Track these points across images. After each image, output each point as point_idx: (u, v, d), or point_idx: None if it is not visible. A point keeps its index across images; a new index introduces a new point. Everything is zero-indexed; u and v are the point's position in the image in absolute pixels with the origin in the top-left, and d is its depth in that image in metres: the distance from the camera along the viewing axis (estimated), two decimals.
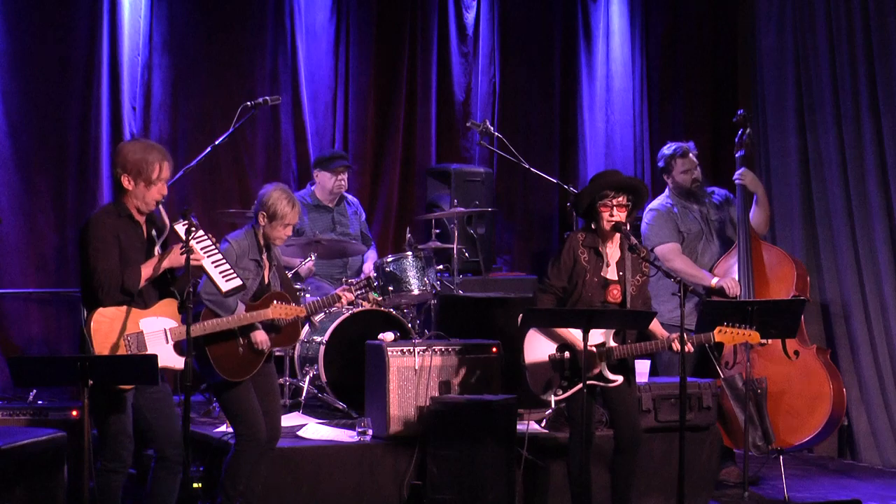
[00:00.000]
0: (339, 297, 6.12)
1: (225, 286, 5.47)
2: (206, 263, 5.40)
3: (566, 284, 5.96)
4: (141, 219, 5.40)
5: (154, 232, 5.45)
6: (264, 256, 5.92)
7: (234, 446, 5.85)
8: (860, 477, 7.70)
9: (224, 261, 5.50)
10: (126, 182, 5.32)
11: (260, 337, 5.77)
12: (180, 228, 5.35)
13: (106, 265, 5.23)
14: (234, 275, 5.52)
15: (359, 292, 6.23)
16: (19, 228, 7.84)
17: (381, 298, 7.33)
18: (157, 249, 5.42)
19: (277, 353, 7.48)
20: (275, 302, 5.77)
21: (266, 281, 5.91)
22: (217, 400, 6.11)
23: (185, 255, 5.26)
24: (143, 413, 5.41)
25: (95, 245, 5.24)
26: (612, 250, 5.98)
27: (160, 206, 5.40)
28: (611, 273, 5.95)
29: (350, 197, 8.31)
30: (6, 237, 7.77)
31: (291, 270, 7.49)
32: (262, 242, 5.91)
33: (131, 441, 5.38)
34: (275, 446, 6.01)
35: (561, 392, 5.92)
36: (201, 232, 5.41)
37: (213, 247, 5.45)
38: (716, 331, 5.77)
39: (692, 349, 5.77)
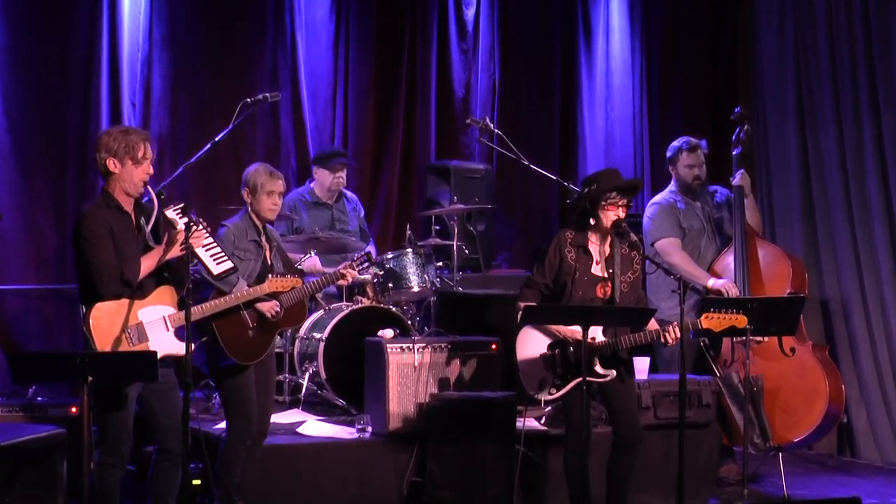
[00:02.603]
0: (343, 275, 6.21)
1: (216, 269, 5.55)
2: (198, 248, 5.44)
3: (549, 282, 5.98)
4: (129, 207, 5.42)
5: (143, 220, 5.47)
6: (263, 238, 6.01)
7: (226, 437, 5.88)
8: (860, 474, 7.71)
9: (215, 244, 5.58)
10: (112, 165, 5.34)
11: (267, 305, 5.83)
12: (171, 214, 5.39)
13: (102, 258, 5.25)
14: (225, 257, 5.60)
15: (360, 267, 6.36)
16: (19, 225, 7.83)
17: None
18: (147, 235, 5.43)
19: (277, 351, 7.49)
20: (269, 276, 5.86)
21: (269, 262, 6.02)
22: (219, 387, 6.10)
23: (184, 249, 5.30)
24: (150, 404, 5.44)
25: (90, 240, 5.27)
26: (604, 247, 5.99)
27: (148, 187, 5.42)
28: (599, 270, 5.96)
29: (349, 193, 8.31)
30: (6, 234, 7.76)
31: None
32: (258, 224, 6.00)
33: (131, 436, 5.40)
34: (262, 441, 6.04)
35: (555, 391, 5.92)
36: (181, 204, 5.48)
37: (205, 231, 5.48)
38: (703, 317, 5.77)
39: (678, 335, 5.72)
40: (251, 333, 5.84)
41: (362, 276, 7.35)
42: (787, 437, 7.18)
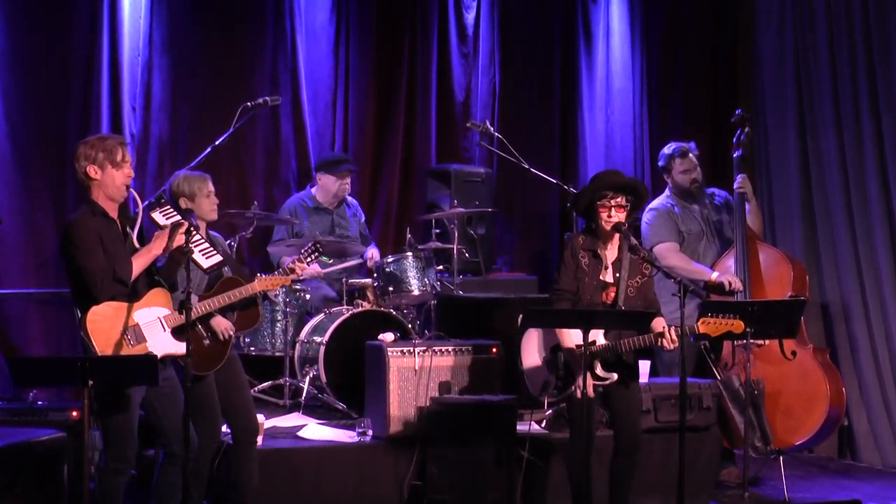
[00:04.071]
0: (293, 269, 6.14)
1: (205, 263, 5.58)
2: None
3: (574, 287, 5.93)
4: (115, 214, 5.42)
5: (128, 228, 5.48)
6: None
7: (197, 443, 5.79)
8: (860, 477, 7.70)
9: (202, 240, 5.62)
10: (93, 172, 5.34)
11: (222, 324, 5.81)
12: (161, 219, 5.40)
13: (94, 263, 5.25)
14: (214, 252, 5.62)
15: (309, 259, 6.27)
16: (19, 228, 7.83)
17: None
18: (134, 241, 5.44)
19: (278, 354, 7.50)
20: (259, 275, 5.90)
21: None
22: None
23: (170, 241, 5.32)
24: (153, 407, 5.44)
25: (80, 246, 5.26)
26: (611, 252, 5.97)
27: (131, 190, 5.43)
28: (607, 275, 5.94)
29: (350, 199, 8.31)
30: (6, 237, 7.75)
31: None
32: (203, 231, 5.97)
33: (136, 441, 5.38)
34: (255, 440, 6.03)
35: (557, 393, 5.92)
36: (171, 210, 5.49)
37: (191, 227, 5.49)
38: (699, 322, 5.74)
39: (676, 339, 5.69)
40: (207, 343, 5.80)
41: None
42: (787, 440, 7.18)
